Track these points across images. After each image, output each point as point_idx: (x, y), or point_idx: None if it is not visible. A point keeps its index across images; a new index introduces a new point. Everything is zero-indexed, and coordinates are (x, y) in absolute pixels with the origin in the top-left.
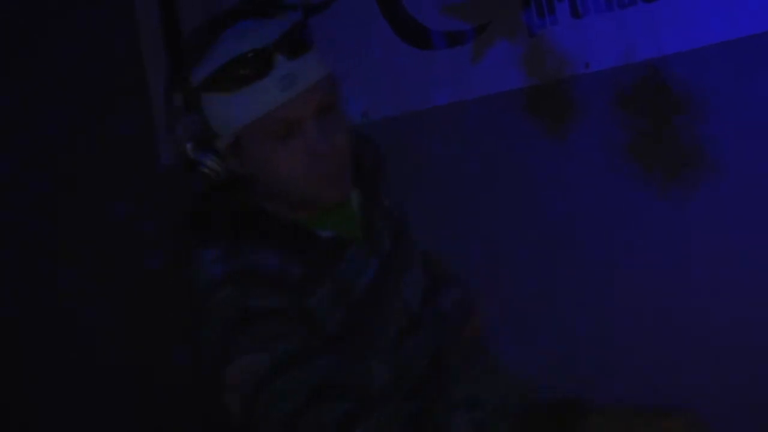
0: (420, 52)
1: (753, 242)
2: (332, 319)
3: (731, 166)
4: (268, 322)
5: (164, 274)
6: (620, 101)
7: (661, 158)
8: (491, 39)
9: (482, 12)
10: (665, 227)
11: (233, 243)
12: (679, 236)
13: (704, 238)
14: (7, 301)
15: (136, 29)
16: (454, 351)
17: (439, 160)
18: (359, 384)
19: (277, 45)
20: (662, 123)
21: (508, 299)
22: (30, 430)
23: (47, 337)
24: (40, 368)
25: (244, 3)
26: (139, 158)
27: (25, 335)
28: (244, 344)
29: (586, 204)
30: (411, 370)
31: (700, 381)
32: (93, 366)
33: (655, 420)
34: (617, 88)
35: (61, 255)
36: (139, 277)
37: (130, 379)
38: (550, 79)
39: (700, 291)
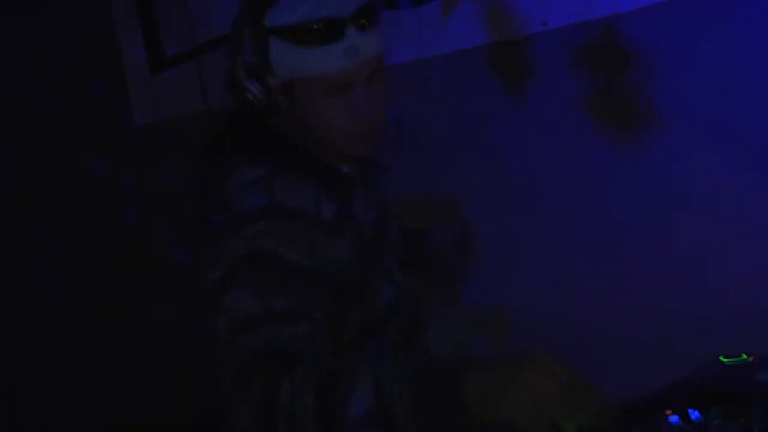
0: (384, 11)
1: (700, 189)
2: (349, 265)
3: (680, 120)
4: (282, 274)
5: (142, 230)
6: (576, 58)
7: (615, 113)
8: None
9: None
10: (619, 179)
11: (275, 167)
12: (633, 187)
13: (656, 187)
14: None
15: None
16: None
17: (402, 116)
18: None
19: (353, 17)
20: (616, 79)
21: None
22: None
23: (23, 301)
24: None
25: None
26: (113, 118)
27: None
28: (249, 282)
29: (544, 159)
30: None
31: (655, 320)
32: (66, 327)
33: (514, 370)
34: (573, 45)
35: (38, 213)
36: (118, 233)
37: (102, 342)
38: (509, 37)
39: (654, 237)
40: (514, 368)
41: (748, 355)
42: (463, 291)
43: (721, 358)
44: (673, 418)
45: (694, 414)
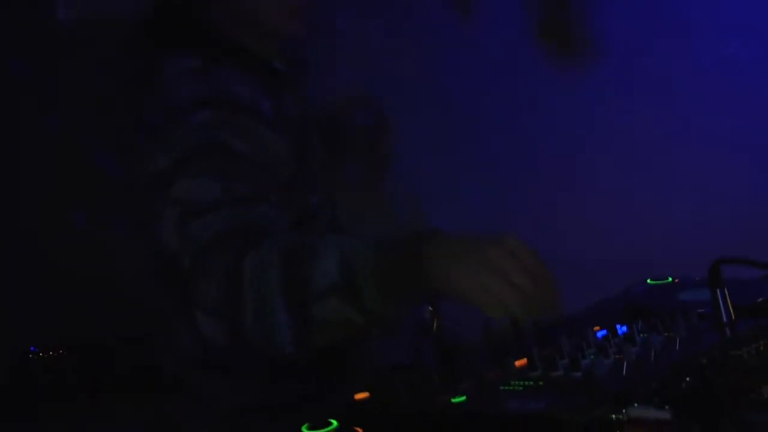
0: None
1: (639, 120)
2: (287, 159)
3: (619, 51)
4: (237, 163)
5: (66, 136)
6: None
7: (557, 43)
8: None
9: None
10: (561, 108)
11: (209, 58)
12: (573, 120)
13: (595, 116)
14: None
15: None
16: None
17: (343, 30)
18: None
19: None
20: (559, 9)
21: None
22: None
23: None
24: None
25: None
26: (36, 15)
27: None
28: (204, 170)
29: (488, 90)
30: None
31: (589, 245)
32: None
33: (476, 245)
34: None
35: None
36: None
37: None
38: None
39: (595, 162)
40: (476, 243)
41: (673, 278)
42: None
43: (648, 280)
44: (601, 332)
45: (621, 329)
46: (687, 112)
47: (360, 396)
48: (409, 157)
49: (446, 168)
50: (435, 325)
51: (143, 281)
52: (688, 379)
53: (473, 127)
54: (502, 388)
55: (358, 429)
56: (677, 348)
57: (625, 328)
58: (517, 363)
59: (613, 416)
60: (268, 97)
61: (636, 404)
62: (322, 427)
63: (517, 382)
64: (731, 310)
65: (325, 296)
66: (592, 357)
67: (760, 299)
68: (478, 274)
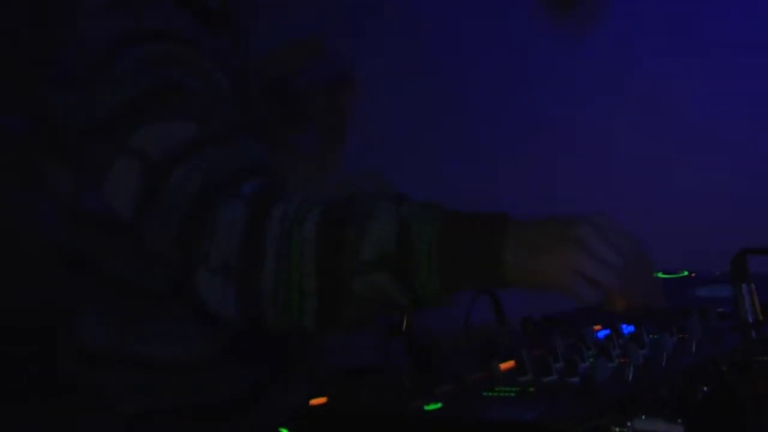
0: None
1: (640, 75)
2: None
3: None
4: (193, 98)
5: None
6: None
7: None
8: None
9: None
10: (559, 63)
11: None
12: (572, 81)
13: (595, 72)
14: None
15: None
16: None
17: None
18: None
19: None
20: None
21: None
22: None
23: None
24: None
25: None
26: None
27: None
28: (168, 111)
29: (472, 42)
30: None
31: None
32: None
33: (565, 226)
34: None
35: None
36: None
37: None
38: None
39: (596, 140)
40: (562, 223)
41: (689, 272)
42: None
43: (660, 274)
44: (603, 332)
45: (627, 328)
46: (708, 76)
47: (316, 402)
48: (379, 127)
49: (425, 142)
50: (405, 322)
51: (36, 259)
52: (705, 387)
53: (458, 95)
54: (484, 393)
55: None
56: (693, 351)
57: (631, 328)
58: (503, 366)
59: (616, 429)
60: (206, 37)
61: (643, 416)
62: None
63: (502, 388)
64: (758, 309)
65: (373, 269)
66: (591, 360)
67: None
68: (568, 256)
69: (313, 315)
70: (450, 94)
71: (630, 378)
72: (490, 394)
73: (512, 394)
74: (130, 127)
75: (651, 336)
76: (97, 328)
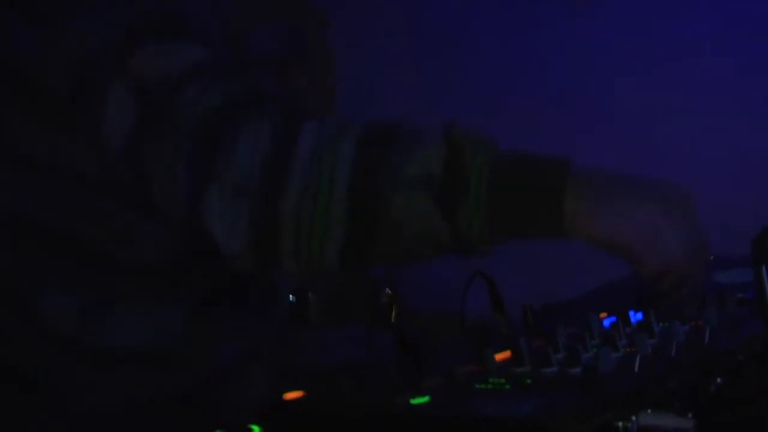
0: None
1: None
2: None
3: None
4: (202, 20)
5: None
6: None
7: None
8: None
9: None
10: (563, 41)
11: None
12: (579, 52)
13: (605, 47)
14: None
15: None
16: None
17: None
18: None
19: None
20: None
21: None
22: None
23: None
24: None
25: None
26: None
27: None
28: (174, 34)
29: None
30: None
31: None
32: None
33: (658, 187)
34: None
35: None
36: None
37: None
38: None
39: (605, 108)
40: (651, 185)
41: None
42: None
43: None
44: (609, 319)
45: (635, 315)
46: (732, 37)
47: (291, 395)
48: (357, 95)
49: (414, 109)
50: (394, 312)
51: None
52: (718, 379)
53: (452, 58)
54: (477, 386)
55: None
56: (706, 340)
57: (640, 315)
58: (499, 356)
59: (620, 424)
60: None
61: (649, 410)
62: None
63: (497, 380)
64: None
65: (416, 186)
66: (595, 350)
67: None
68: (651, 217)
69: (339, 246)
70: (445, 62)
71: (636, 369)
72: (483, 386)
73: (507, 387)
74: (128, 51)
75: (661, 324)
76: (58, 311)
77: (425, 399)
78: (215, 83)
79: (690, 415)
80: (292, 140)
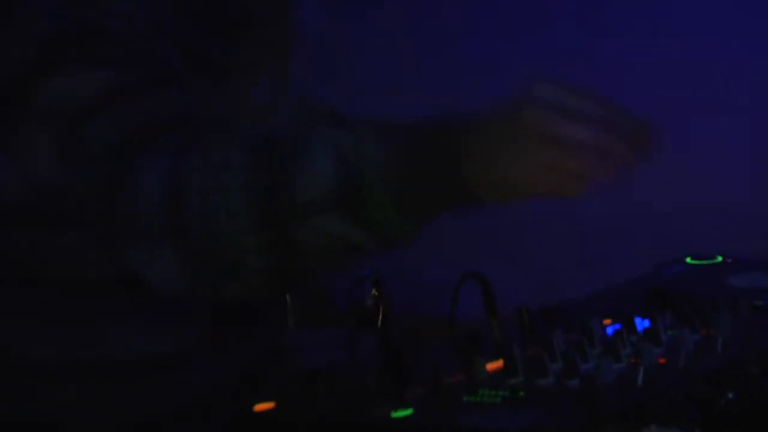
0: None
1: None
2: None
3: None
4: (108, 39)
5: None
6: None
7: None
8: None
9: None
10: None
11: None
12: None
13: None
14: None
15: None
16: None
17: None
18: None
19: None
20: None
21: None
22: None
23: None
24: None
25: None
26: None
27: None
28: (84, 57)
29: None
30: None
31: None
32: None
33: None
34: None
35: None
36: None
37: None
38: None
39: (618, 81)
40: (512, 114)
41: (724, 257)
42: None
43: (688, 259)
44: (612, 327)
45: (641, 323)
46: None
47: (261, 407)
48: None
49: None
50: (380, 314)
51: None
52: (730, 393)
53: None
54: (465, 398)
55: None
56: (718, 350)
57: (647, 322)
58: (490, 366)
59: None
60: None
61: (653, 426)
62: None
63: (487, 392)
64: None
65: (317, 211)
66: (595, 360)
67: None
68: (531, 157)
69: (261, 275)
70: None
71: (640, 382)
72: (471, 398)
73: (498, 400)
74: (41, 80)
75: (669, 332)
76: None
77: (408, 411)
78: (115, 118)
79: (697, 431)
80: (184, 181)
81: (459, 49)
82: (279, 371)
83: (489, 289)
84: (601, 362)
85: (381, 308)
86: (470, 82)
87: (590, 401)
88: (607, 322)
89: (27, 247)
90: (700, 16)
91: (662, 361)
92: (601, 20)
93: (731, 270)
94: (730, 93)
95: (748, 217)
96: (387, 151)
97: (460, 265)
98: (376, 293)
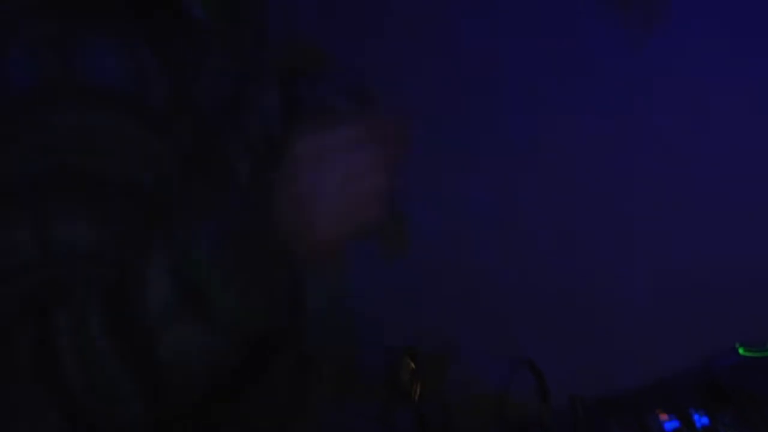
0: None
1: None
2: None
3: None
4: (80, 196)
5: None
6: None
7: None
8: None
9: None
10: (622, 70)
11: (76, 15)
12: (640, 79)
13: (664, 81)
14: None
15: None
16: None
17: None
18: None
19: None
20: None
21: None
22: None
23: None
24: None
25: None
26: None
27: None
28: (29, 210)
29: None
30: None
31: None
32: None
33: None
34: None
35: None
36: None
37: None
38: None
39: (653, 158)
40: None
41: None
42: None
43: (740, 349)
44: (671, 423)
45: (700, 420)
46: None
47: None
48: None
49: (439, 149)
50: (416, 388)
51: None
52: None
53: (484, 91)
54: None
55: None
56: None
57: (705, 420)
58: None
59: None
60: (168, 74)
61: None
62: None
63: None
64: None
65: (169, 324)
66: None
67: None
68: (288, 214)
69: (140, 399)
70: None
71: None
72: None
73: None
74: None
75: (727, 430)
76: None
77: None
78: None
79: None
80: (54, 339)
81: None
82: None
83: (541, 374)
84: None
85: (417, 382)
86: None
87: None
88: (663, 416)
89: None
90: None
91: None
92: None
93: None
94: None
95: None
96: (218, 247)
97: (512, 349)
98: (413, 365)
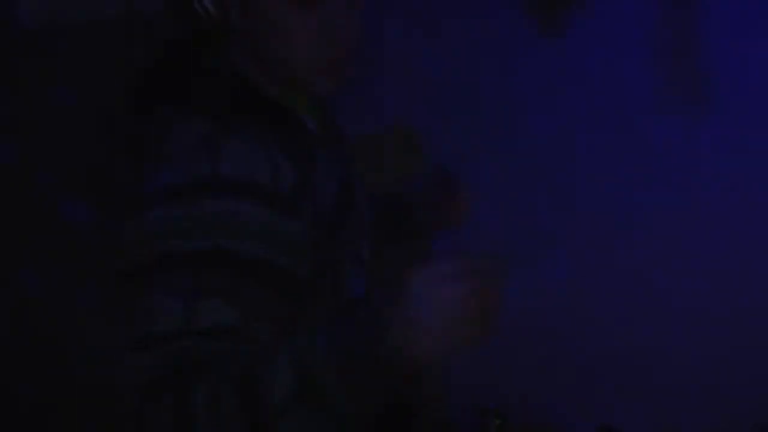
0: None
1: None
2: (306, 249)
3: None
4: (227, 278)
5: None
6: None
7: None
8: None
9: None
10: (677, 151)
11: (224, 120)
12: (691, 161)
13: (714, 162)
14: None
15: None
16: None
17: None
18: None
19: None
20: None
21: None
22: None
23: None
24: None
25: None
26: None
27: None
28: (182, 287)
29: (577, 126)
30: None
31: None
32: None
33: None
34: None
35: None
36: None
37: None
38: None
39: (710, 217)
40: (402, 312)
41: None
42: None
43: None
44: None
45: None
46: None
47: None
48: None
49: (520, 225)
50: None
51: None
52: None
53: (553, 178)
54: None
55: None
56: None
57: None
58: None
59: None
60: (293, 168)
61: None
62: None
63: None
64: None
65: (287, 410)
66: None
67: None
68: (419, 347)
69: None
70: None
71: None
72: None
73: None
74: (144, 290)
75: None
76: None
77: None
78: (160, 355)
79: None
80: (192, 413)
81: None
82: None
83: None
84: None
85: None
86: None
87: None
88: None
89: None
90: None
91: None
92: None
93: None
94: None
95: None
96: (332, 347)
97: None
98: (499, 422)
